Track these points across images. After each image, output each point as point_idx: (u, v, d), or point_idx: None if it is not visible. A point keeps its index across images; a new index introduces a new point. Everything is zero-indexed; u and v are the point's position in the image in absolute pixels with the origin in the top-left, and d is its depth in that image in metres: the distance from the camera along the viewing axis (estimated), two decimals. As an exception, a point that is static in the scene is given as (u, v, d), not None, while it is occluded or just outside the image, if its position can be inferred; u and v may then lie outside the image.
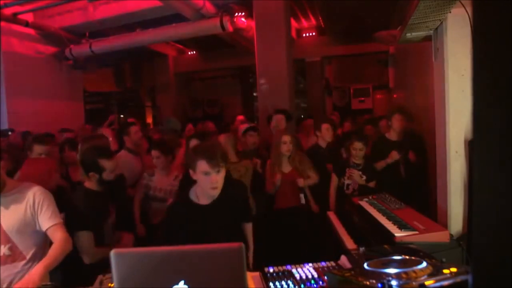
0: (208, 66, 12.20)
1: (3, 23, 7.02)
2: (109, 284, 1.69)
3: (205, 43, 10.37)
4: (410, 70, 5.46)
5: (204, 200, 2.11)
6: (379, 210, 2.41)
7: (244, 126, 4.35)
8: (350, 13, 7.68)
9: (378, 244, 1.82)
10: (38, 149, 3.23)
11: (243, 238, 2.33)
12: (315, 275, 1.60)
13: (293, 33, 9.82)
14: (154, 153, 3.27)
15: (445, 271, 1.19)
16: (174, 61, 12.44)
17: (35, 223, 1.94)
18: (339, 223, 2.79)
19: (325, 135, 4.03)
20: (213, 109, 13.20)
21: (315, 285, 1.54)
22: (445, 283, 1.14)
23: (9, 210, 1.87)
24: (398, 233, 1.96)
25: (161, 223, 2.65)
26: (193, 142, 2.87)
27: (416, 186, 3.92)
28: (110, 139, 3.92)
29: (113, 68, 12.83)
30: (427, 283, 1.13)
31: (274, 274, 1.64)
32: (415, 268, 1.22)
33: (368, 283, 1.18)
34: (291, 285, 1.54)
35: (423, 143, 4.04)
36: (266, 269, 1.69)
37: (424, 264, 1.25)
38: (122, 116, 14.22)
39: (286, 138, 3.39)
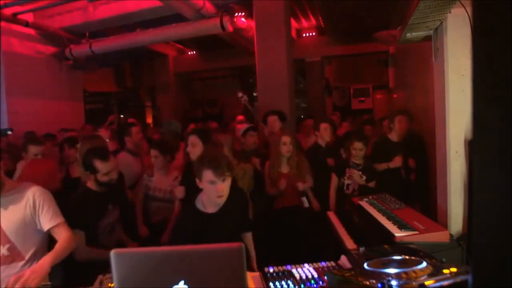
0: (208, 66, 12.20)
1: (3, 23, 7.02)
2: (109, 284, 1.69)
3: (205, 43, 10.37)
4: (410, 70, 5.46)
5: (211, 209, 2.16)
6: (379, 210, 2.41)
7: (243, 126, 4.34)
8: (350, 13, 7.68)
9: (378, 244, 1.82)
10: (33, 150, 3.21)
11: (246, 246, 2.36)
12: (315, 275, 1.60)
13: (293, 33, 9.82)
14: (153, 152, 3.27)
15: (445, 271, 1.19)
16: (174, 61, 12.45)
17: (36, 223, 1.94)
18: (339, 223, 2.79)
19: (323, 134, 4.02)
20: (213, 109, 13.22)
21: (315, 285, 1.54)
22: (445, 283, 1.14)
23: (8, 210, 1.87)
24: (398, 233, 1.96)
25: (169, 233, 2.65)
26: (192, 139, 2.86)
27: (417, 187, 3.93)
28: (108, 140, 3.91)
29: (113, 68, 12.84)
30: (427, 283, 1.13)
31: (274, 274, 1.64)
32: (415, 268, 1.22)
33: (368, 283, 1.18)
34: (291, 285, 1.54)
35: (423, 143, 4.04)
36: (266, 269, 1.69)
37: (424, 264, 1.25)
38: (122, 116, 14.23)
39: (286, 139, 3.37)
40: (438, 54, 2.55)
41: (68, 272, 2.20)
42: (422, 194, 3.89)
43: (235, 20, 7.30)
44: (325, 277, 1.54)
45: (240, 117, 7.08)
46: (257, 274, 1.68)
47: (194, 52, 12.21)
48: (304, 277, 1.59)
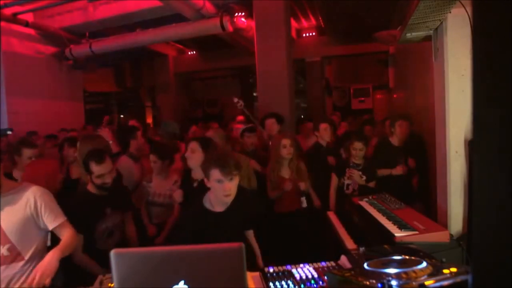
0: (208, 66, 12.21)
1: (3, 23, 7.03)
2: (109, 284, 1.69)
3: (205, 43, 10.38)
4: (410, 70, 5.46)
5: (218, 208, 2.17)
6: (379, 210, 2.41)
7: (240, 127, 4.33)
8: (350, 13, 7.69)
9: (378, 244, 1.82)
10: (27, 153, 3.17)
11: (247, 245, 2.38)
12: (315, 275, 1.60)
13: (293, 33, 9.82)
14: (152, 157, 3.26)
15: (445, 271, 1.19)
16: (174, 61, 12.45)
17: (36, 223, 1.94)
18: (339, 223, 2.79)
19: (323, 134, 4.02)
20: (213, 109, 13.22)
21: (315, 285, 1.54)
22: (445, 283, 1.14)
23: (7, 210, 1.87)
24: (398, 233, 1.96)
25: (175, 230, 2.66)
26: (192, 145, 2.84)
27: (417, 187, 3.92)
28: (110, 141, 3.89)
29: (113, 68, 12.85)
30: (427, 283, 1.13)
31: (274, 274, 1.64)
32: (415, 268, 1.22)
33: (368, 283, 1.18)
34: (291, 285, 1.54)
35: (423, 144, 4.04)
36: (266, 269, 1.69)
37: (424, 264, 1.25)
38: (122, 116, 14.24)
39: (286, 141, 3.35)
40: (438, 54, 2.55)
41: (68, 272, 2.20)
42: (422, 194, 3.88)
43: (235, 20, 7.31)
44: (325, 277, 1.54)
45: (240, 117, 7.07)
46: (257, 274, 1.68)
47: (194, 52, 12.22)
48: (304, 277, 1.59)
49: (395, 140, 3.81)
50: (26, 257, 1.91)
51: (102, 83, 12.67)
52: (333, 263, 1.72)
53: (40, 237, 1.99)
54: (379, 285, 1.15)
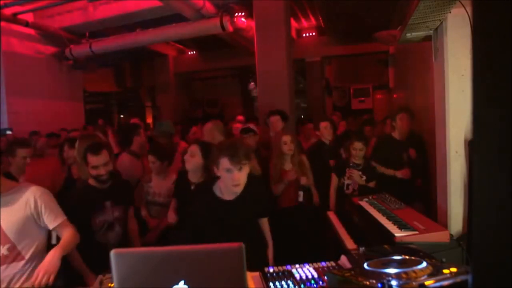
0: (208, 66, 12.21)
1: (3, 23, 7.03)
2: (109, 284, 1.69)
3: (205, 43, 10.38)
4: (410, 70, 5.46)
5: (228, 196, 2.15)
6: (379, 210, 2.41)
7: (239, 127, 4.32)
8: (350, 13, 7.69)
9: (378, 244, 1.82)
10: (22, 153, 3.16)
11: (261, 233, 2.37)
12: (315, 275, 1.60)
13: (293, 33, 9.83)
14: (150, 158, 3.27)
15: (445, 271, 1.19)
16: (174, 61, 12.45)
17: (36, 223, 1.94)
18: (339, 223, 2.79)
19: (324, 133, 4.03)
20: (213, 109, 13.22)
21: (315, 285, 1.53)
22: (445, 283, 1.14)
23: (7, 210, 1.87)
24: (398, 233, 1.96)
25: (186, 220, 2.65)
26: (193, 148, 2.83)
27: (419, 187, 3.92)
28: (111, 140, 3.89)
29: (113, 68, 12.85)
30: (427, 283, 1.13)
31: (274, 274, 1.64)
32: (415, 268, 1.22)
33: (368, 283, 1.18)
34: (291, 285, 1.54)
35: (423, 143, 4.04)
36: (266, 269, 1.69)
37: (424, 264, 1.25)
38: (122, 116, 14.25)
39: (287, 138, 3.41)
40: (438, 54, 2.55)
41: (68, 272, 2.20)
42: (422, 194, 3.88)
43: (235, 20, 7.31)
44: (325, 277, 1.54)
45: (240, 117, 7.07)
46: (257, 274, 1.68)
47: (194, 52, 12.22)
48: (304, 277, 1.59)
49: (397, 134, 3.81)
50: (27, 257, 1.91)
51: (102, 83, 12.68)
52: (333, 263, 1.72)
53: (40, 237, 1.99)
54: (379, 285, 1.15)
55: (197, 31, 7.74)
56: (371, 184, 3.46)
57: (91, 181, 2.55)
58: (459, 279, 1.15)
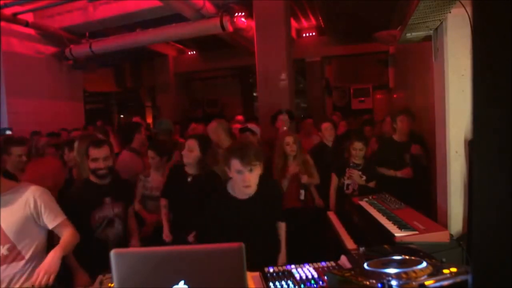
0: (208, 66, 12.21)
1: (3, 23, 7.02)
2: (109, 284, 1.69)
3: (205, 43, 10.37)
4: (410, 70, 5.46)
5: (241, 196, 2.18)
6: (379, 210, 2.41)
7: (239, 127, 4.33)
8: (350, 13, 7.68)
9: (378, 244, 1.82)
10: (16, 151, 3.16)
11: (276, 237, 2.37)
12: (315, 275, 1.60)
13: (293, 33, 9.82)
14: (150, 153, 3.30)
15: (445, 271, 1.19)
16: (174, 61, 12.45)
17: (36, 223, 1.94)
18: (339, 223, 2.79)
19: (325, 134, 4.03)
20: (213, 109, 13.22)
21: (315, 285, 1.54)
22: (445, 283, 1.14)
23: (6, 210, 1.87)
24: (398, 233, 1.96)
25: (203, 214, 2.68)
26: (190, 143, 2.86)
27: (421, 187, 3.91)
28: (112, 139, 3.90)
29: (113, 68, 12.85)
30: (427, 283, 1.13)
31: (274, 274, 1.64)
32: (415, 268, 1.22)
33: (368, 283, 1.18)
34: (291, 285, 1.54)
35: (424, 144, 4.04)
36: (266, 269, 1.69)
37: (424, 264, 1.25)
38: (122, 116, 14.24)
39: (289, 139, 3.42)
40: (438, 54, 2.55)
41: (68, 272, 2.20)
42: (422, 194, 3.88)
43: (235, 20, 7.31)
44: (325, 277, 1.54)
45: (239, 117, 7.07)
46: (257, 274, 1.68)
47: (194, 52, 12.21)
48: (304, 277, 1.59)
49: (397, 136, 3.81)
50: (27, 257, 1.91)
51: (102, 83, 12.68)
52: (333, 263, 1.72)
53: (40, 237, 1.99)
54: (379, 285, 1.15)
55: (197, 31, 7.74)
56: (371, 184, 3.46)
57: (91, 178, 2.57)
58: (459, 279, 1.15)
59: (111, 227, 2.56)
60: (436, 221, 2.29)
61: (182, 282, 1.11)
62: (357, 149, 3.46)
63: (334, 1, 7.23)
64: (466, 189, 2.37)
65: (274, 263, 2.26)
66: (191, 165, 2.86)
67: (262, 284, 1.59)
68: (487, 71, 0.67)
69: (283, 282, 1.55)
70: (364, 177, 3.45)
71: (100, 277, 1.79)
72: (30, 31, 8.24)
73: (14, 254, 1.88)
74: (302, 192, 3.44)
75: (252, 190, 2.12)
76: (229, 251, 1.16)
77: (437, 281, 1.14)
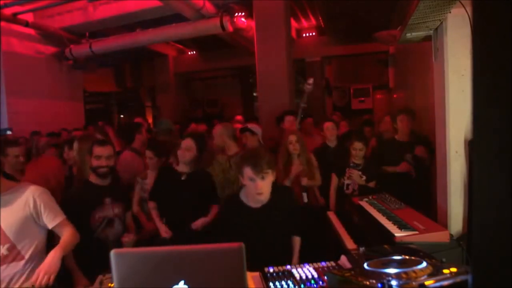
0: (208, 66, 12.21)
1: (3, 23, 7.02)
2: (109, 284, 1.69)
3: (205, 43, 10.37)
4: (410, 70, 5.46)
5: (254, 204, 2.18)
6: (379, 210, 2.41)
7: (238, 126, 4.31)
8: (350, 13, 7.69)
9: (378, 244, 1.82)
10: (13, 151, 3.16)
11: (289, 249, 2.29)
12: (315, 275, 1.60)
13: (293, 33, 9.82)
14: (148, 153, 3.29)
15: (445, 271, 1.19)
16: (174, 61, 12.45)
17: (36, 223, 1.95)
18: (339, 223, 2.79)
19: (327, 134, 4.03)
20: (213, 109, 13.21)
21: (315, 285, 1.54)
22: (445, 283, 1.14)
23: (6, 210, 1.87)
24: (398, 233, 1.96)
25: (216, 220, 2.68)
26: (187, 142, 2.86)
27: (421, 187, 3.90)
28: (112, 138, 3.90)
29: (113, 68, 12.85)
30: (427, 283, 1.13)
31: (274, 274, 1.64)
32: (415, 268, 1.22)
33: (368, 283, 1.18)
34: (291, 285, 1.54)
35: (429, 144, 4.03)
36: (266, 269, 1.69)
37: (424, 264, 1.25)
38: (122, 116, 14.24)
39: (292, 137, 3.42)
40: (438, 54, 2.55)
41: (69, 272, 2.20)
42: (422, 194, 3.88)
43: (235, 20, 7.31)
44: (325, 277, 1.54)
45: (238, 117, 7.07)
46: (257, 274, 1.68)
47: (194, 52, 12.21)
48: (304, 277, 1.59)
49: (399, 136, 3.82)
50: (26, 257, 1.92)
51: (102, 83, 12.68)
52: (333, 263, 1.72)
53: (39, 237, 1.99)
54: (379, 285, 1.15)
55: (197, 31, 7.74)
56: (371, 184, 3.46)
57: (92, 178, 2.59)
58: (459, 279, 1.15)
59: (111, 227, 2.56)
60: (436, 221, 2.29)
61: (182, 282, 1.11)
62: (357, 149, 3.46)
63: (334, 1, 7.23)
64: (466, 189, 2.37)
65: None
66: (185, 163, 2.86)
67: (262, 284, 1.59)
68: (487, 71, 0.67)
69: (283, 282, 1.55)
70: (364, 177, 3.44)
71: (100, 277, 1.79)
72: (30, 31, 8.24)
73: (14, 254, 1.88)
74: (305, 194, 3.42)
75: (264, 197, 2.12)
76: (229, 251, 1.16)
77: (437, 281, 1.14)
